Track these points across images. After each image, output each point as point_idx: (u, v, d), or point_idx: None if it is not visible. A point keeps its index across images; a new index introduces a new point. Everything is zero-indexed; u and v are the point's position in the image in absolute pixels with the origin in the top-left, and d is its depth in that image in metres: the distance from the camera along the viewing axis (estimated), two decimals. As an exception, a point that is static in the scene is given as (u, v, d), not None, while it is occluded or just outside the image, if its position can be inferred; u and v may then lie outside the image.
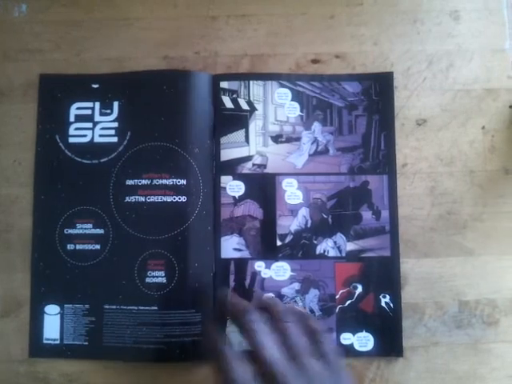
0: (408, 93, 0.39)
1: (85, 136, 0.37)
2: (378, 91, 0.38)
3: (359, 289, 0.37)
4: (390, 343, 0.37)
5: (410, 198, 0.38)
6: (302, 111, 0.38)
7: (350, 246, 0.37)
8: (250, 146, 0.38)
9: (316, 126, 0.38)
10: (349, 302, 0.37)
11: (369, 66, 0.39)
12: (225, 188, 0.38)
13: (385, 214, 0.37)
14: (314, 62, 0.39)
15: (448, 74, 0.40)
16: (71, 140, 0.37)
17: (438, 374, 0.37)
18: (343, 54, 0.40)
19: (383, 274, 0.37)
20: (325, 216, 0.38)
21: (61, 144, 0.37)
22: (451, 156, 0.39)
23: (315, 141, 0.38)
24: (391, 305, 0.37)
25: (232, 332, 0.36)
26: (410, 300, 0.37)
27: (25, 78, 0.39)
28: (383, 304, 0.37)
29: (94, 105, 0.38)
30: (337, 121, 0.38)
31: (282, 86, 0.39)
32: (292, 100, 0.38)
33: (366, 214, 0.37)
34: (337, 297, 0.37)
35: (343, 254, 0.37)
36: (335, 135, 0.38)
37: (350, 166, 0.38)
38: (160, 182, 0.36)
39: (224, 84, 0.38)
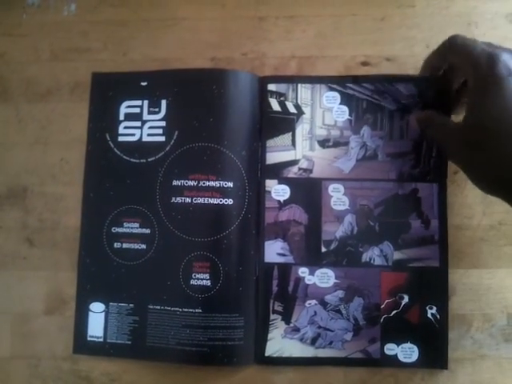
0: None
1: (133, 135, 0.37)
2: (434, 95, 0.37)
3: (405, 299, 0.36)
4: (434, 355, 0.36)
5: (460, 206, 0.37)
6: (350, 115, 0.38)
7: (397, 255, 0.36)
8: (296, 150, 0.37)
9: (365, 130, 0.37)
10: (394, 312, 0.36)
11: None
12: (270, 192, 0.37)
13: (434, 223, 0.36)
14: (364, 64, 0.39)
15: (502, 79, 0.38)
16: (120, 139, 0.37)
17: (483, 389, 0.36)
18: (394, 57, 0.39)
19: (431, 285, 0.36)
20: (372, 223, 0.37)
21: (110, 142, 0.37)
22: (504, 164, 0.38)
23: (364, 145, 0.37)
24: (437, 316, 0.36)
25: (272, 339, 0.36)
26: (456, 311, 0.36)
27: (72, 77, 0.40)
28: (429, 315, 0.36)
29: (142, 103, 0.38)
30: (387, 125, 0.37)
31: (331, 89, 0.38)
32: (341, 103, 0.38)
33: (415, 223, 0.36)
34: (382, 306, 0.36)
35: (390, 263, 0.36)
36: (385, 140, 0.37)
37: (399, 173, 0.37)
38: (207, 183, 0.36)
39: (272, 86, 0.38)
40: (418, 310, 0.36)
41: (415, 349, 0.36)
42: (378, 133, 0.37)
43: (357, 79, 0.38)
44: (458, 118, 0.36)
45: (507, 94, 0.28)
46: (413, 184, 0.37)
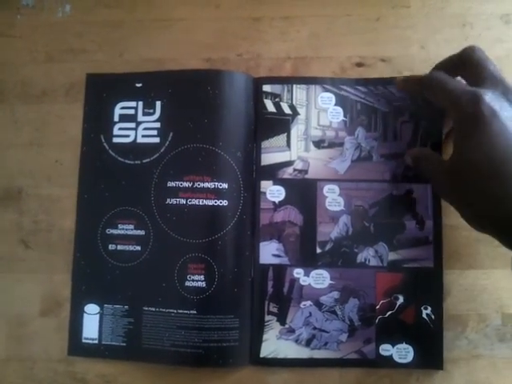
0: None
1: (128, 136, 0.37)
2: (423, 97, 0.37)
3: (401, 300, 0.36)
4: (430, 356, 0.36)
5: (455, 207, 0.37)
6: (345, 116, 0.38)
7: (392, 256, 0.36)
8: (291, 151, 0.37)
9: (360, 131, 0.37)
10: (389, 312, 0.36)
11: (415, 70, 0.38)
12: (265, 193, 0.37)
13: (429, 224, 0.36)
14: (359, 65, 0.39)
15: (497, 80, 0.38)
16: (115, 140, 0.37)
17: (478, 389, 0.36)
18: (389, 58, 0.39)
19: (425, 285, 0.36)
20: (366, 224, 0.37)
21: (105, 144, 0.37)
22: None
23: (358, 146, 0.37)
24: (432, 317, 0.36)
25: (267, 340, 0.36)
26: (452, 312, 0.36)
27: (67, 78, 0.39)
28: (424, 316, 0.36)
29: (137, 104, 0.38)
30: (381, 127, 0.37)
31: (326, 90, 0.38)
32: (336, 105, 0.38)
33: (410, 224, 0.36)
34: (377, 307, 0.36)
35: (385, 264, 0.36)
36: (379, 141, 0.37)
37: (393, 174, 0.37)
38: (201, 185, 0.36)
39: (267, 87, 0.38)
40: (413, 310, 0.36)
41: (410, 349, 0.36)
42: (373, 134, 0.37)
43: (350, 82, 0.38)
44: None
45: (491, 135, 0.28)
46: (407, 185, 0.37)
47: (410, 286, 0.36)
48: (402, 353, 0.36)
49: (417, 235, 0.36)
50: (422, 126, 0.37)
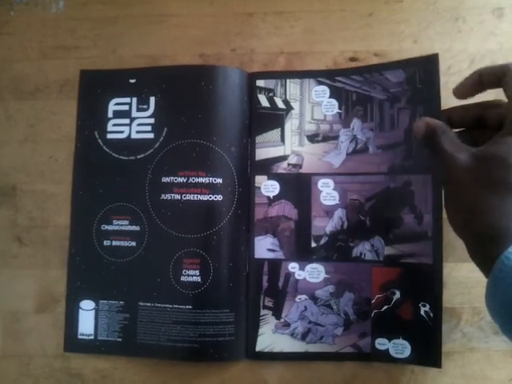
0: (448, 93, 0.38)
1: (122, 132, 0.37)
2: (422, 78, 0.35)
3: (397, 295, 0.36)
4: (427, 353, 0.35)
5: (449, 200, 0.37)
6: (340, 108, 0.37)
7: (389, 251, 0.36)
8: (285, 146, 0.37)
9: (355, 122, 0.37)
10: (385, 307, 0.36)
11: (409, 64, 0.38)
12: (259, 188, 0.37)
13: (427, 218, 0.35)
14: (352, 59, 0.39)
15: (490, 73, 0.38)
16: (109, 136, 0.37)
17: (473, 381, 0.36)
18: (382, 52, 0.39)
19: (424, 282, 0.35)
20: (362, 218, 0.37)
21: (99, 140, 0.37)
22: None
23: (354, 139, 0.37)
24: (431, 314, 0.35)
25: (262, 334, 0.36)
26: (446, 305, 0.36)
27: (61, 74, 0.40)
28: (422, 313, 0.35)
29: (131, 100, 0.38)
30: (378, 116, 0.37)
31: (320, 83, 0.38)
32: (330, 97, 0.38)
33: (408, 218, 0.36)
34: (373, 301, 0.36)
35: (381, 258, 0.36)
36: (376, 132, 0.37)
37: (390, 165, 0.36)
38: (196, 180, 0.36)
39: (260, 82, 0.38)
40: (410, 306, 0.35)
41: (407, 345, 0.35)
42: (369, 124, 0.37)
43: (345, 71, 0.38)
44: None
45: None
46: (405, 176, 0.36)
47: (407, 281, 0.35)
48: (399, 348, 0.35)
49: (415, 230, 0.35)
50: (420, 112, 0.36)
